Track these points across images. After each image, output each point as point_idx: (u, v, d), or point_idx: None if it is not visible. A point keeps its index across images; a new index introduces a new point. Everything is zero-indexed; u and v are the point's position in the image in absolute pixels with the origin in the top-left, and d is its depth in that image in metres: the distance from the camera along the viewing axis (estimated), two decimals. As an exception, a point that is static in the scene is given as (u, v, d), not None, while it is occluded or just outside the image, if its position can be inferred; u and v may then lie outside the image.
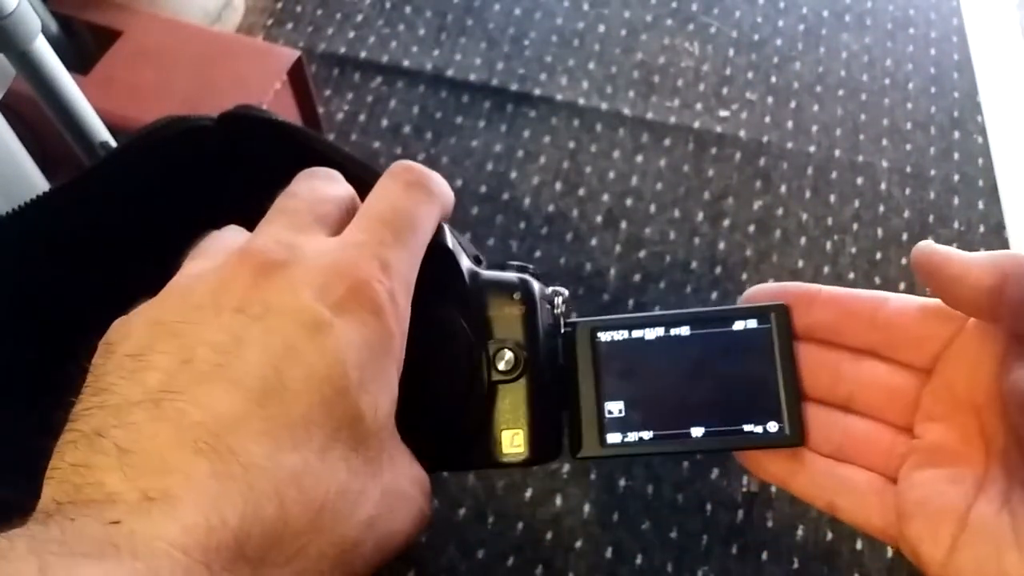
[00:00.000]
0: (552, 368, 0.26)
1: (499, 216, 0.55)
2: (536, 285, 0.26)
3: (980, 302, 0.22)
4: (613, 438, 0.26)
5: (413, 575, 0.44)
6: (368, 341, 0.19)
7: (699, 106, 0.60)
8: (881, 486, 0.23)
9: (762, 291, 0.26)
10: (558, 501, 0.45)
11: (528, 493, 0.45)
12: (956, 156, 0.59)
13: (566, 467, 0.46)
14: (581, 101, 0.60)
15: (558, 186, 0.56)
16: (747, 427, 0.25)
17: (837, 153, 0.58)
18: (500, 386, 0.25)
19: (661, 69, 0.62)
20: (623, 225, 0.55)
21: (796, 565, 0.44)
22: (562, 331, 0.27)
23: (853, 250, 0.54)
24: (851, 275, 0.53)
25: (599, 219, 0.55)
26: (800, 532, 0.45)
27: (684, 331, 0.26)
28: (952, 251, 0.23)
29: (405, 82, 0.60)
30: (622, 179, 0.56)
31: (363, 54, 0.61)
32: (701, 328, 0.26)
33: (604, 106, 0.59)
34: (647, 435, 0.26)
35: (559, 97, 0.60)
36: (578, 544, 0.44)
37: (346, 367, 0.19)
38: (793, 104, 0.61)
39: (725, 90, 0.61)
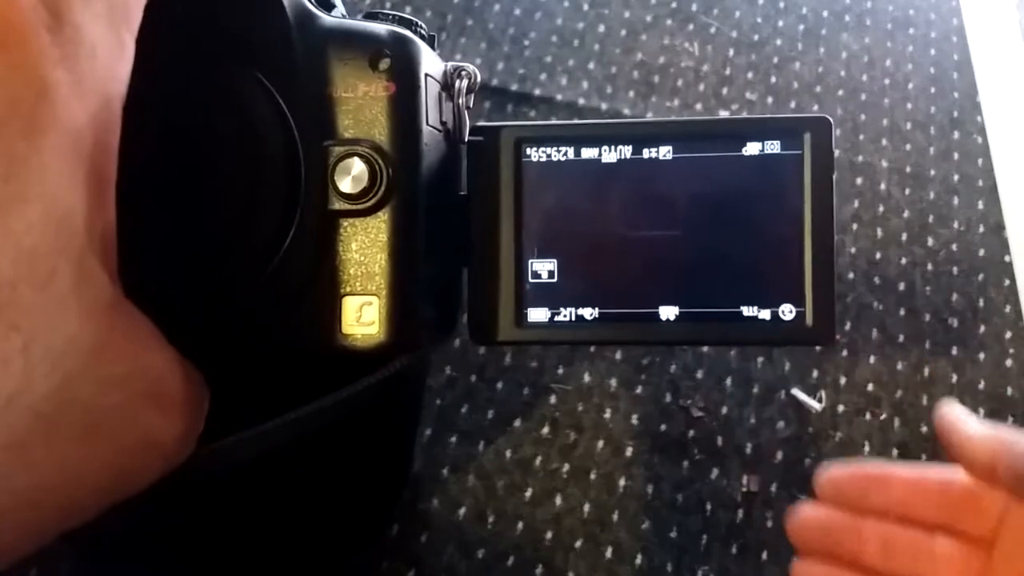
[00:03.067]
0: (439, 197, 0.16)
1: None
2: (424, 51, 0.16)
3: (983, 473, 0.22)
4: (537, 315, 0.17)
5: (413, 575, 0.44)
6: None
7: (699, 106, 0.60)
8: None
9: (837, 474, 0.25)
10: (558, 501, 0.45)
11: (528, 493, 0.46)
12: (956, 156, 0.59)
13: (566, 466, 0.46)
14: (581, 101, 0.60)
15: (558, 186, 0.56)
16: (747, 310, 0.16)
17: (837, 153, 0.58)
18: (344, 221, 0.15)
19: (661, 69, 0.62)
20: (623, 225, 0.55)
21: (795, 565, 0.44)
22: (466, 138, 0.17)
23: (853, 250, 0.54)
24: (850, 275, 0.53)
25: (599, 219, 0.55)
26: (800, 532, 0.45)
27: (663, 152, 0.16)
28: (958, 420, 0.23)
29: (405, 82, 0.60)
30: (622, 179, 0.56)
31: (363, 54, 0.61)
32: (691, 149, 0.16)
33: (604, 106, 0.59)
34: (590, 313, 0.16)
35: (559, 97, 0.60)
36: (578, 544, 0.44)
37: None
38: (793, 104, 0.61)
39: (725, 90, 0.61)
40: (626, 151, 0.16)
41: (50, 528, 0.12)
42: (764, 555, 0.45)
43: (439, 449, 0.47)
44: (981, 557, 0.24)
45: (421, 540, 0.44)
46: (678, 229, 0.16)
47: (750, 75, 0.62)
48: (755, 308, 0.16)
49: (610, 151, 0.16)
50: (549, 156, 0.16)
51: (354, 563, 0.44)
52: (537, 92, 0.60)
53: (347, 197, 0.15)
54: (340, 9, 0.17)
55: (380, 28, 0.15)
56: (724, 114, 0.60)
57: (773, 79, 0.62)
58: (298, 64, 0.14)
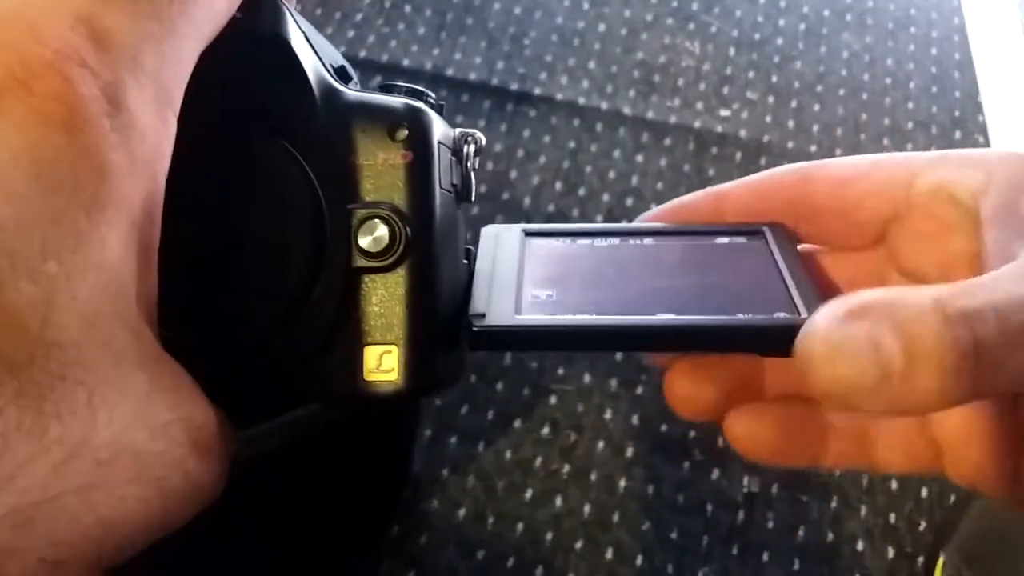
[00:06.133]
0: (451, 252, 0.18)
1: (499, 216, 0.54)
2: (436, 121, 0.17)
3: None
4: (532, 314, 0.17)
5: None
6: (41, 177, 0.11)
7: (700, 105, 0.60)
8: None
9: (658, 213, 0.21)
10: (558, 502, 0.45)
11: (528, 494, 0.45)
12: (957, 156, 0.59)
13: (566, 467, 0.46)
14: (581, 100, 0.59)
15: (558, 186, 0.56)
16: (742, 315, 0.17)
17: (838, 152, 0.58)
18: (366, 277, 0.16)
19: (661, 68, 0.61)
20: (623, 225, 0.55)
21: (797, 566, 0.44)
22: (472, 197, 0.18)
23: (854, 250, 0.54)
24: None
25: (599, 219, 0.55)
26: (801, 533, 0.45)
27: (646, 241, 0.19)
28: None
29: (404, 81, 0.59)
30: (622, 179, 0.56)
31: (362, 53, 0.60)
32: (671, 240, 0.19)
33: (604, 105, 0.59)
34: (587, 319, 0.17)
35: (559, 96, 0.60)
36: (578, 545, 0.44)
37: None
38: (794, 103, 0.60)
39: (726, 89, 0.61)
40: (615, 240, 0.19)
41: (106, 563, 0.13)
42: (765, 556, 0.44)
43: (439, 450, 0.46)
44: (875, 262, 0.21)
45: (421, 541, 0.44)
46: (670, 273, 0.18)
47: (751, 74, 0.62)
48: (749, 314, 0.17)
49: (602, 240, 0.19)
50: (550, 242, 0.19)
51: (354, 564, 0.44)
52: (537, 91, 0.60)
53: (369, 255, 0.16)
54: (355, 80, 0.19)
55: (396, 101, 0.17)
56: (725, 113, 0.59)
57: (774, 78, 0.62)
58: (322, 135, 0.16)
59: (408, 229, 0.16)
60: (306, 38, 0.16)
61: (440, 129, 0.17)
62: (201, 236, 0.15)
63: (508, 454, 0.46)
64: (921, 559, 0.44)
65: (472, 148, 0.18)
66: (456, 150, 0.18)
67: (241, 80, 0.15)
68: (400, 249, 0.16)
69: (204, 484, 0.14)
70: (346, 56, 0.20)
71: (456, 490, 0.45)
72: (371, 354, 0.16)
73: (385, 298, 0.16)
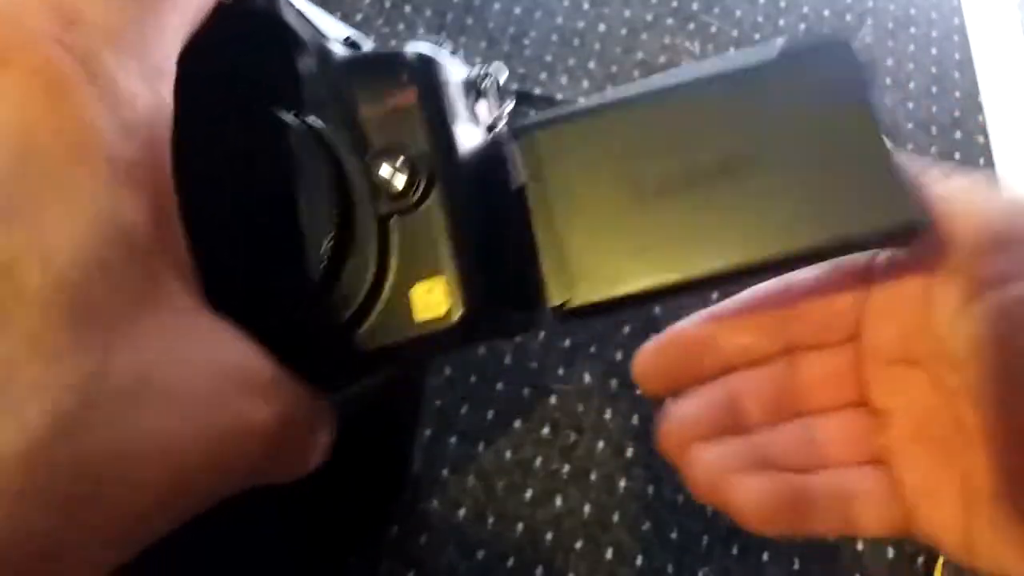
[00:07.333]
0: (486, 183, 0.18)
1: (499, 216, 0.54)
2: (444, 60, 0.17)
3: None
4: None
5: (412, 576, 0.44)
6: (26, 134, 0.11)
7: (700, 105, 0.60)
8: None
9: (649, 357, 0.22)
10: (558, 502, 0.45)
11: (528, 494, 0.45)
12: (957, 156, 0.59)
13: (566, 467, 0.46)
14: (581, 100, 0.59)
15: (558, 185, 0.56)
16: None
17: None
18: (397, 219, 0.16)
19: (662, 68, 0.61)
20: (623, 225, 0.54)
21: (797, 566, 0.44)
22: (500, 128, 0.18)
23: (854, 250, 0.54)
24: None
25: (599, 219, 0.55)
26: (801, 533, 0.45)
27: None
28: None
29: (405, 81, 0.60)
30: (622, 179, 0.56)
31: (363, 53, 0.60)
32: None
33: (604, 105, 0.59)
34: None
35: (560, 96, 0.60)
36: (578, 545, 0.44)
37: None
38: (794, 103, 0.60)
39: (726, 89, 0.61)
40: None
41: (164, 504, 0.13)
42: (765, 556, 0.44)
43: (439, 450, 0.46)
44: (850, 355, 0.22)
45: (420, 541, 0.44)
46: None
47: (751, 74, 0.62)
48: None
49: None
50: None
51: (353, 564, 0.44)
52: (537, 91, 0.60)
53: (393, 198, 0.16)
54: (368, 47, 0.19)
55: (393, 50, 0.17)
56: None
57: (774, 78, 0.62)
58: (328, 95, 0.16)
59: (428, 164, 0.16)
60: (299, 14, 0.17)
61: (447, 63, 0.17)
62: (232, 213, 0.15)
63: (508, 454, 0.46)
64: (921, 559, 0.44)
65: (489, 81, 0.18)
66: (473, 84, 0.18)
67: (245, 58, 0.15)
68: (423, 184, 0.16)
69: (262, 429, 0.14)
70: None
71: (456, 490, 0.45)
72: (418, 292, 0.16)
73: (420, 235, 0.16)
